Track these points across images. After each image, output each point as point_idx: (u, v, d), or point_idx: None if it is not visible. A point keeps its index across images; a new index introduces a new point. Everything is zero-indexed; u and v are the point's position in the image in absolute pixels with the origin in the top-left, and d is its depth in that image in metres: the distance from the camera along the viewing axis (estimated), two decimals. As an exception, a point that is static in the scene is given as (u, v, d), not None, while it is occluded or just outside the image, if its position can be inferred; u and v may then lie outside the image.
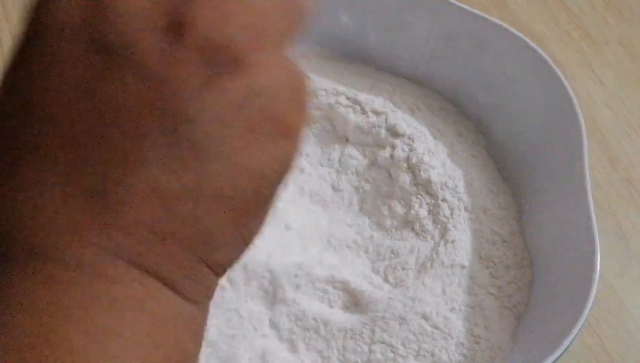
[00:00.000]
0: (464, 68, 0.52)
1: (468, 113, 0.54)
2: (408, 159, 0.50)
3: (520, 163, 0.50)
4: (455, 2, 0.51)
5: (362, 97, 0.52)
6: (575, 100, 0.47)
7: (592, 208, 0.43)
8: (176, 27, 0.19)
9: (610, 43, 0.62)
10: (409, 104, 0.53)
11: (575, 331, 0.39)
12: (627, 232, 0.53)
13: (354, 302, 0.46)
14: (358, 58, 0.56)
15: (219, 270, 0.21)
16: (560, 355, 0.39)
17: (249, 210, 0.21)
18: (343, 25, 0.54)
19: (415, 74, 0.54)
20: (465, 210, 0.49)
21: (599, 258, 0.41)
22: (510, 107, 0.51)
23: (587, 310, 0.40)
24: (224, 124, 0.20)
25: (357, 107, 0.52)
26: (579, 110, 0.46)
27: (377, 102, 0.52)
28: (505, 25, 0.50)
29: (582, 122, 0.46)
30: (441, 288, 0.46)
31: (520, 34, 0.49)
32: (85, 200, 0.19)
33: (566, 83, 0.47)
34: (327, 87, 0.52)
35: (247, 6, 0.20)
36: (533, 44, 0.49)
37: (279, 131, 0.21)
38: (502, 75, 0.51)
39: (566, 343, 0.39)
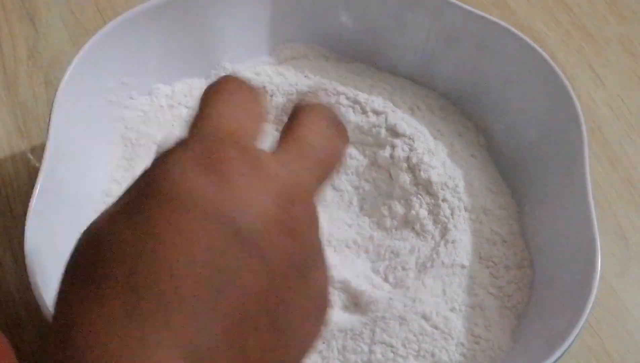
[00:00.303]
0: (464, 68, 0.52)
1: (468, 113, 0.54)
2: (408, 158, 0.50)
3: (521, 163, 0.50)
4: (455, 1, 0.51)
5: (362, 97, 0.52)
6: (576, 101, 0.47)
7: (592, 208, 0.43)
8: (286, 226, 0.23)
9: (611, 43, 0.62)
10: (408, 104, 0.53)
11: (575, 332, 0.39)
12: (627, 232, 0.53)
13: (354, 302, 0.46)
14: (358, 58, 0.56)
15: None
16: (561, 356, 0.39)
17: None
18: (343, 24, 0.54)
19: (416, 73, 0.54)
20: (466, 210, 0.49)
21: (599, 259, 0.41)
22: (510, 107, 0.51)
23: (587, 311, 0.40)
24: (303, 311, 0.24)
25: (357, 106, 0.52)
26: (580, 110, 0.46)
27: (377, 102, 0.52)
28: (505, 25, 0.50)
29: (583, 123, 0.46)
30: (441, 289, 0.46)
31: (520, 34, 0.49)
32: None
33: (567, 83, 0.47)
34: (327, 87, 0.52)
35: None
36: (534, 44, 0.49)
37: (322, 317, 0.25)
38: (502, 75, 0.51)
39: (566, 344, 0.39)
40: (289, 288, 0.23)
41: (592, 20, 0.63)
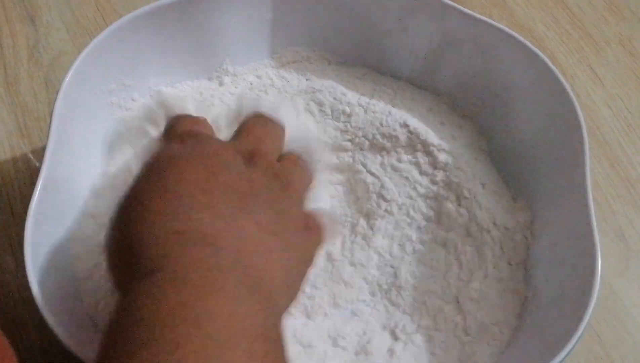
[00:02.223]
0: (465, 72, 0.52)
1: (470, 117, 0.53)
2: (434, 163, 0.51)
3: (522, 167, 0.50)
4: (456, 5, 0.51)
5: (364, 100, 0.52)
6: (577, 106, 0.46)
7: (592, 212, 0.43)
8: (250, 156, 0.38)
9: (610, 43, 0.62)
10: (410, 108, 0.53)
11: (576, 336, 0.39)
12: (627, 232, 0.53)
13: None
14: (360, 61, 0.56)
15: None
16: (561, 362, 0.39)
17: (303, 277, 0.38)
18: (345, 28, 0.54)
19: (417, 77, 0.54)
20: (473, 213, 0.49)
21: (599, 265, 0.41)
22: (512, 111, 0.51)
23: (587, 316, 0.39)
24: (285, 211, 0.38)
25: (361, 109, 0.52)
26: (581, 116, 0.46)
27: (378, 105, 0.52)
28: (507, 29, 0.50)
29: (583, 126, 0.46)
30: (440, 285, 0.47)
31: (522, 39, 0.49)
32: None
33: (569, 88, 0.47)
34: (331, 90, 0.53)
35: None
36: (535, 49, 0.49)
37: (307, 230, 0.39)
38: (504, 79, 0.51)
39: (566, 350, 0.39)
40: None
41: (592, 20, 0.63)
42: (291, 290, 0.36)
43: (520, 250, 0.48)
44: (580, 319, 0.39)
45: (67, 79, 0.45)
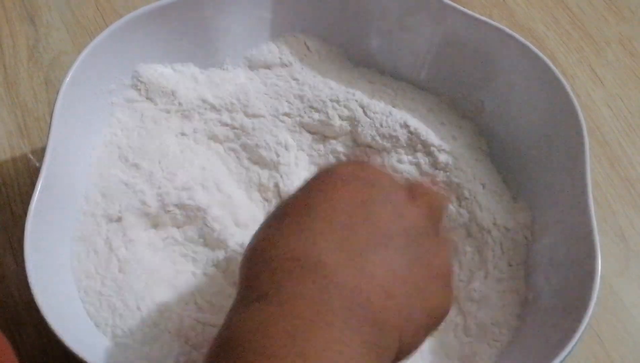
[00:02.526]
0: (466, 72, 0.52)
1: (470, 117, 0.53)
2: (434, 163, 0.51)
3: (522, 167, 0.50)
4: (457, 6, 0.50)
5: (364, 101, 0.52)
6: (577, 106, 0.46)
7: (592, 212, 0.43)
8: (412, 194, 0.35)
9: (610, 43, 0.62)
10: (410, 108, 0.53)
11: (576, 336, 0.39)
12: (627, 232, 0.53)
13: None
14: (361, 62, 0.56)
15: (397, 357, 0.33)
16: (562, 361, 0.39)
17: (428, 331, 0.34)
18: (345, 28, 0.54)
19: (418, 77, 0.54)
20: (474, 213, 0.49)
21: (600, 264, 0.41)
22: (512, 111, 0.51)
23: (588, 316, 0.40)
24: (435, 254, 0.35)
25: (360, 110, 0.52)
26: (581, 116, 0.46)
27: (378, 106, 0.52)
28: (507, 29, 0.49)
29: (584, 127, 0.46)
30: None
31: (522, 39, 0.49)
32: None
33: (569, 89, 0.47)
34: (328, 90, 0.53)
35: None
36: (535, 49, 0.49)
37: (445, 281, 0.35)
38: (504, 79, 0.51)
39: (566, 350, 0.39)
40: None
41: (592, 20, 0.63)
42: (408, 342, 0.33)
43: (521, 250, 0.48)
44: (580, 319, 0.39)
45: (67, 79, 0.45)
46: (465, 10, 0.50)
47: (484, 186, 0.50)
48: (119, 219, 0.47)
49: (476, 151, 0.52)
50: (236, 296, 0.33)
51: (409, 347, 0.33)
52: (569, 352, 0.39)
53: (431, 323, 0.34)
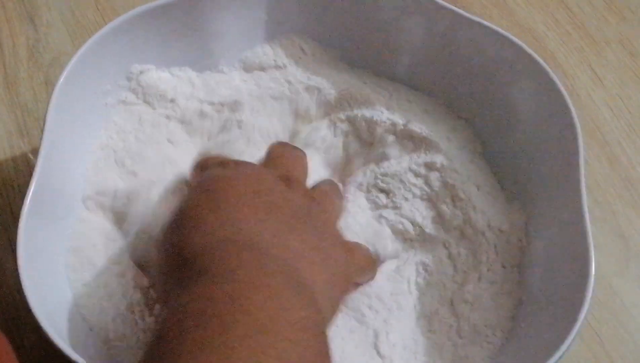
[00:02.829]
0: (461, 73, 0.52)
1: (465, 118, 0.53)
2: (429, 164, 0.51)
3: (518, 168, 0.50)
4: (452, 7, 0.50)
5: (359, 102, 0.52)
6: (571, 107, 0.46)
7: (587, 215, 0.43)
8: (287, 180, 0.41)
9: (611, 43, 0.62)
10: (406, 110, 0.53)
11: (570, 339, 0.39)
12: (627, 232, 0.53)
13: None
14: (355, 63, 0.56)
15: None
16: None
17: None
18: (339, 29, 0.54)
19: (412, 78, 0.54)
20: (468, 214, 0.49)
21: (593, 266, 0.41)
22: (507, 112, 0.51)
23: (581, 318, 0.39)
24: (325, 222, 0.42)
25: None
26: (575, 117, 0.46)
27: (374, 107, 0.52)
28: (502, 30, 0.49)
29: (578, 129, 0.46)
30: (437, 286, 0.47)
31: (517, 40, 0.49)
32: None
33: (564, 90, 0.47)
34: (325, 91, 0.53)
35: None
36: (529, 50, 0.48)
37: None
38: (498, 81, 0.51)
39: (560, 352, 0.38)
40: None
41: (592, 20, 0.63)
42: (332, 302, 0.38)
43: (515, 252, 0.48)
44: (574, 320, 0.39)
45: (60, 80, 0.45)
46: (461, 11, 0.50)
47: (478, 188, 0.50)
48: (116, 223, 0.47)
49: (471, 153, 0.52)
50: (166, 281, 0.37)
51: (334, 309, 0.38)
52: (564, 353, 0.38)
53: (344, 285, 0.40)
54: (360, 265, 0.44)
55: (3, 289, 0.48)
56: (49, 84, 0.56)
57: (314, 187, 0.45)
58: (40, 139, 0.44)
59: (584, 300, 0.40)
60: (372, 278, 0.46)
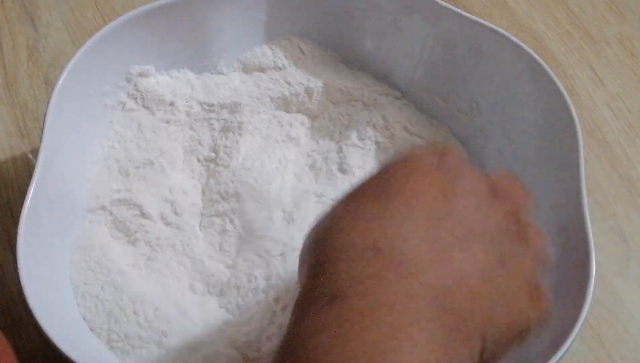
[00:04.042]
0: (461, 73, 0.52)
1: (465, 119, 0.53)
2: None
3: (517, 168, 0.50)
4: (452, 7, 0.50)
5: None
6: (572, 107, 0.46)
7: (587, 215, 0.43)
8: (495, 190, 0.33)
9: (611, 43, 0.62)
10: (402, 109, 0.53)
11: (570, 339, 0.39)
12: (627, 232, 0.53)
13: None
14: (354, 64, 0.56)
15: None
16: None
17: (510, 344, 0.31)
18: (339, 30, 0.54)
19: (412, 78, 0.54)
20: None
21: (594, 266, 0.41)
22: (507, 112, 0.51)
23: (582, 319, 0.39)
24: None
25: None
26: (575, 117, 0.46)
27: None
28: (502, 31, 0.49)
29: (578, 128, 0.46)
30: None
31: (516, 40, 0.49)
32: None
33: (564, 91, 0.47)
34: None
35: None
36: (530, 50, 0.48)
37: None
38: (499, 81, 0.51)
39: (561, 352, 0.38)
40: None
41: (592, 20, 0.63)
42: (491, 348, 0.30)
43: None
44: (574, 322, 0.39)
45: (60, 80, 0.45)
46: (460, 11, 0.50)
47: None
48: (122, 228, 0.47)
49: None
50: (302, 290, 0.30)
51: (492, 355, 0.30)
52: (564, 353, 0.38)
53: (514, 336, 0.31)
54: (539, 321, 0.33)
55: (3, 289, 0.48)
56: (49, 84, 0.56)
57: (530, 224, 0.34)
58: (40, 139, 0.44)
59: (584, 301, 0.40)
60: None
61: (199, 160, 0.51)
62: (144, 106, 0.52)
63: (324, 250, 0.30)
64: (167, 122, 0.52)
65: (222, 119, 0.52)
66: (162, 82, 0.52)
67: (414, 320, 0.27)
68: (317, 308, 0.28)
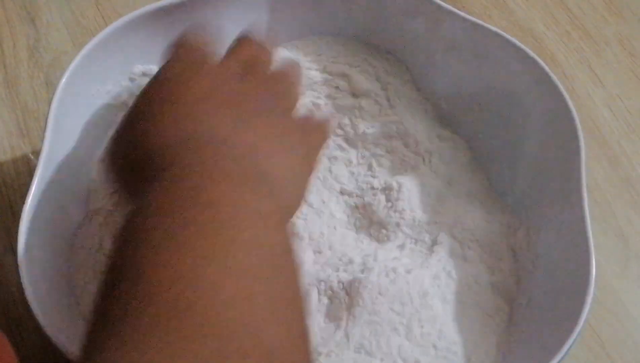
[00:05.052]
0: (463, 77, 0.52)
1: (466, 121, 0.53)
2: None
3: (518, 169, 0.50)
4: (454, 10, 0.50)
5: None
6: (573, 110, 0.46)
7: (588, 218, 0.43)
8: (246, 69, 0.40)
9: (610, 43, 0.62)
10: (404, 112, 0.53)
11: (569, 343, 0.39)
12: (627, 232, 0.53)
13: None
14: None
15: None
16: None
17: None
18: (341, 32, 0.54)
19: (415, 82, 0.54)
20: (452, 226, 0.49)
21: (594, 270, 0.41)
22: (509, 116, 0.51)
23: (582, 322, 0.39)
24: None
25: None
26: (577, 120, 0.46)
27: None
28: (504, 34, 0.49)
29: (580, 131, 0.46)
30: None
31: (519, 43, 0.49)
32: None
33: (565, 94, 0.47)
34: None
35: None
36: (533, 54, 0.48)
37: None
38: (501, 84, 0.50)
39: (561, 354, 0.38)
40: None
41: (592, 20, 0.63)
42: (297, 188, 0.38)
43: (507, 260, 0.47)
44: (575, 323, 0.39)
45: (63, 80, 0.45)
46: (463, 14, 0.50)
47: (470, 193, 0.50)
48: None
49: (464, 153, 0.52)
50: (125, 186, 0.37)
51: (299, 199, 0.38)
52: (565, 353, 0.38)
53: (308, 172, 0.39)
54: (321, 139, 0.42)
55: (4, 289, 0.48)
56: (50, 84, 0.56)
57: (275, 71, 0.43)
58: (41, 139, 0.44)
59: (585, 302, 0.40)
60: (328, 137, 0.44)
61: None
62: None
63: (142, 147, 0.35)
64: None
65: None
66: None
67: (228, 173, 0.33)
68: (150, 179, 0.33)
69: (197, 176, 0.32)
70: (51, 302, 0.41)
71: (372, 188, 0.50)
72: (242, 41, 0.43)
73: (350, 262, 0.47)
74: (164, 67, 0.39)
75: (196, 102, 0.37)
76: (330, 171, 0.51)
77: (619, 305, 0.50)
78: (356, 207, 0.50)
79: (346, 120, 0.52)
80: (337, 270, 0.46)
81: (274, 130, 0.38)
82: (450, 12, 0.50)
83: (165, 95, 0.37)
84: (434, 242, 0.48)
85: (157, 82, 0.39)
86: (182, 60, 0.39)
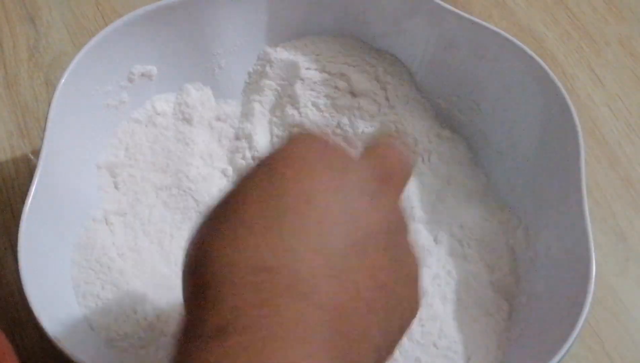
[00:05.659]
0: (462, 75, 0.52)
1: (466, 120, 0.53)
2: None
3: (517, 169, 0.50)
4: (453, 9, 0.50)
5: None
6: (573, 110, 0.46)
7: (587, 218, 0.43)
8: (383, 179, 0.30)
9: (610, 43, 0.62)
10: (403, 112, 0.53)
11: (569, 342, 0.39)
12: (626, 232, 0.53)
13: None
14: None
15: None
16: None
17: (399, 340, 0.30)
18: (340, 31, 0.54)
19: (413, 80, 0.54)
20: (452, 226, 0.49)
21: (594, 269, 0.41)
22: (508, 113, 0.51)
23: (582, 321, 0.39)
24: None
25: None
26: (577, 120, 0.46)
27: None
28: (503, 33, 0.49)
29: (579, 131, 0.46)
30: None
31: (519, 43, 0.49)
32: None
33: (565, 94, 0.47)
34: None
35: None
36: (531, 52, 0.48)
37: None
38: (500, 83, 0.50)
39: (561, 354, 0.38)
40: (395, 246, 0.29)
41: (592, 20, 0.63)
42: (385, 355, 0.28)
43: (507, 259, 0.48)
44: (575, 323, 0.39)
45: (62, 80, 0.45)
46: (461, 12, 0.50)
47: (469, 192, 0.50)
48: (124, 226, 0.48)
49: (463, 153, 0.52)
50: (185, 318, 0.26)
51: (383, 358, 0.28)
52: (565, 353, 0.39)
53: (402, 334, 0.29)
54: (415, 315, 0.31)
55: (4, 289, 0.48)
56: (49, 84, 0.56)
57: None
58: (41, 139, 0.44)
59: (585, 301, 0.40)
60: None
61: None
62: (149, 122, 0.52)
63: (204, 271, 0.26)
64: (167, 111, 0.52)
65: (235, 128, 0.53)
66: (164, 97, 0.53)
67: (308, 352, 0.24)
68: (199, 345, 0.24)
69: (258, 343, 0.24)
70: (51, 302, 0.41)
71: None
72: (384, 143, 0.32)
73: None
74: (276, 150, 0.29)
75: (297, 209, 0.26)
76: None
77: (619, 305, 0.50)
78: None
79: (345, 120, 0.52)
80: None
81: (384, 276, 0.28)
82: (449, 11, 0.50)
83: (256, 191, 0.27)
84: (434, 241, 0.48)
85: (258, 167, 0.28)
86: (292, 149, 0.29)
